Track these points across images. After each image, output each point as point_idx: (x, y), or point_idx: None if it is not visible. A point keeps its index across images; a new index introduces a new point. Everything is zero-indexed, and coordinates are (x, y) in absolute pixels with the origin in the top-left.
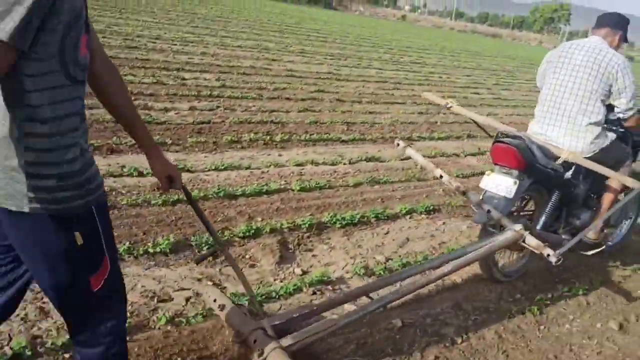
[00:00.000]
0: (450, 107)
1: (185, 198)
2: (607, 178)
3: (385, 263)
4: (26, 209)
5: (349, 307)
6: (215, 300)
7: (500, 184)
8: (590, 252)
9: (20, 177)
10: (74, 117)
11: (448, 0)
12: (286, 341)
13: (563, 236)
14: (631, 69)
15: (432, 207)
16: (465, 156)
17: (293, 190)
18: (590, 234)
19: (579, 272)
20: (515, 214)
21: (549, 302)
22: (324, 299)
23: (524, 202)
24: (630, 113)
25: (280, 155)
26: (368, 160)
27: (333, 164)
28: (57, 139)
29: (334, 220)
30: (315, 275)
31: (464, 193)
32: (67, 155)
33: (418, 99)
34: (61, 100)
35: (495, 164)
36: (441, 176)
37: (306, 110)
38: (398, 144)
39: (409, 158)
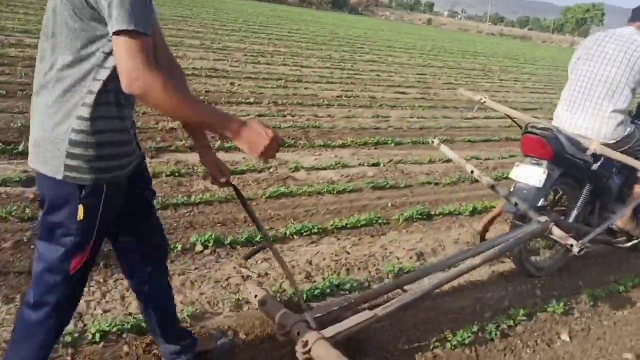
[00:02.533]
0: (484, 102)
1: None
2: (638, 170)
3: None
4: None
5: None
6: (255, 296)
7: (530, 174)
8: (626, 245)
9: (62, 145)
10: (113, 106)
11: (490, 6)
12: (328, 332)
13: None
14: None
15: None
16: None
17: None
18: (619, 222)
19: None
20: (548, 209)
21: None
22: (362, 293)
23: (557, 197)
24: None
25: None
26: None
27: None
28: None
29: None
30: None
31: (492, 187)
32: (111, 135)
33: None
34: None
35: (525, 155)
36: (472, 171)
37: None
38: (433, 142)
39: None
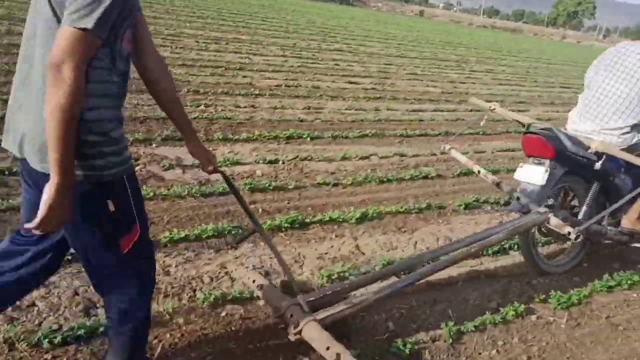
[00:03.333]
0: (494, 109)
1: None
2: None
3: None
4: None
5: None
6: (254, 281)
7: (532, 173)
8: (634, 244)
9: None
10: (113, 99)
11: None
12: (319, 314)
13: (608, 228)
14: None
15: None
16: None
17: None
18: (624, 222)
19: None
20: (556, 207)
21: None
22: (357, 278)
23: (568, 198)
24: None
25: None
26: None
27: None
28: (100, 116)
29: None
30: None
31: (497, 185)
32: (105, 128)
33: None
34: (104, 85)
35: (528, 156)
36: (479, 171)
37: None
38: (444, 147)
39: None
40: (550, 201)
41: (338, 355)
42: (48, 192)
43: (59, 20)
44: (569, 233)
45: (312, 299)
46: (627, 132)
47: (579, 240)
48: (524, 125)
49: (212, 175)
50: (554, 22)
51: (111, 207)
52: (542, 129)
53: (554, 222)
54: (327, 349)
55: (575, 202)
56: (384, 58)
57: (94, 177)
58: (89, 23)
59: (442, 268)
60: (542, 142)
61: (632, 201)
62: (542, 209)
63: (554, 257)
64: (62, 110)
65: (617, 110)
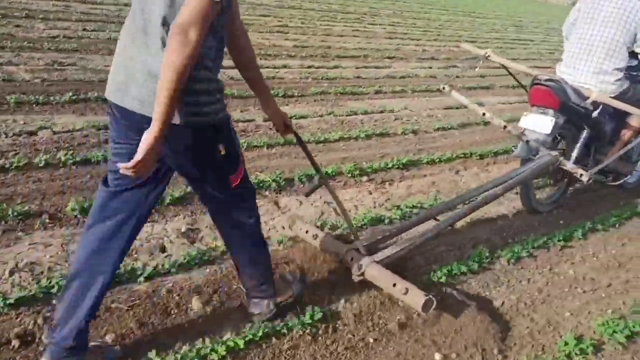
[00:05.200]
0: (489, 56)
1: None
2: (629, 116)
3: None
4: (181, 122)
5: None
6: (307, 232)
7: (538, 122)
8: (611, 183)
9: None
10: (216, 61)
11: None
12: (378, 257)
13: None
14: None
15: None
16: None
17: None
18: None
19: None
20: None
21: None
22: (400, 223)
23: (556, 142)
24: None
25: None
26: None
27: None
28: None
29: None
30: None
31: (505, 127)
32: (213, 79)
33: None
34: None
35: (533, 105)
36: (484, 114)
37: None
38: (444, 88)
39: None
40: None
41: (407, 290)
42: (147, 139)
43: None
44: (581, 175)
45: (366, 243)
46: (619, 79)
47: (590, 181)
48: (513, 76)
49: None
50: None
51: (222, 151)
52: (549, 80)
53: (568, 165)
54: (394, 285)
55: (562, 146)
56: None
57: (207, 121)
58: None
59: (473, 210)
60: (549, 94)
61: (613, 143)
62: (554, 152)
63: (544, 198)
64: (182, 69)
65: (607, 55)
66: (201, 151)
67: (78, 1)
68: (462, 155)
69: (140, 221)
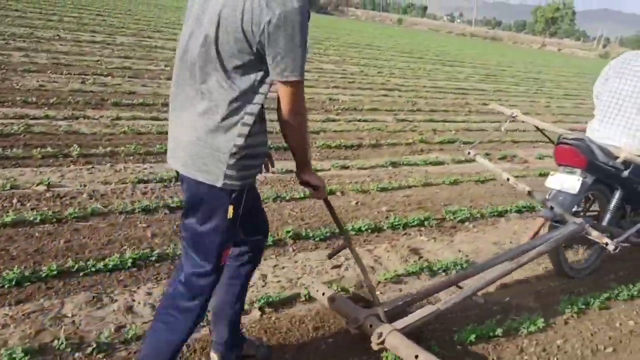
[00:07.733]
0: (516, 116)
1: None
2: None
3: None
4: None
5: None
6: (323, 294)
7: (565, 182)
8: None
9: (224, 158)
10: (261, 123)
11: (491, 11)
12: (399, 324)
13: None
14: None
15: None
16: None
17: None
18: None
19: None
20: (581, 214)
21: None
22: (420, 289)
23: (588, 204)
24: None
25: None
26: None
27: None
28: (255, 137)
29: None
30: None
31: (529, 193)
32: (258, 148)
33: None
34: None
35: (559, 164)
36: (508, 179)
37: None
38: (469, 152)
39: None
40: (576, 207)
41: None
42: (310, 177)
43: (248, 43)
44: (607, 244)
45: (386, 309)
46: None
47: (617, 251)
48: (541, 131)
49: None
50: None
51: (230, 214)
52: (575, 139)
53: (593, 233)
54: (416, 357)
55: (595, 207)
56: None
57: (244, 185)
58: (299, 75)
59: (497, 279)
60: (575, 152)
61: None
62: (579, 220)
63: (576, 262)
64: (305, 135)
65: (638, 110)
66: (213, 207)
67: None
68: None
69: None
